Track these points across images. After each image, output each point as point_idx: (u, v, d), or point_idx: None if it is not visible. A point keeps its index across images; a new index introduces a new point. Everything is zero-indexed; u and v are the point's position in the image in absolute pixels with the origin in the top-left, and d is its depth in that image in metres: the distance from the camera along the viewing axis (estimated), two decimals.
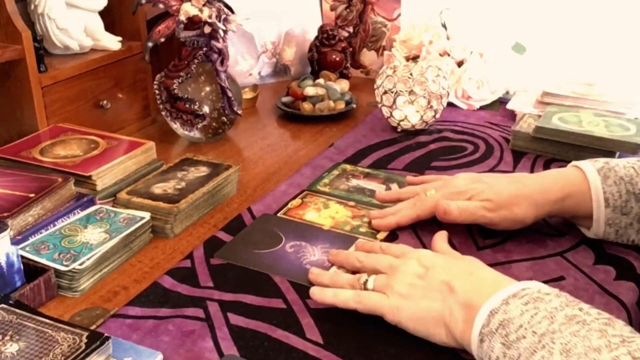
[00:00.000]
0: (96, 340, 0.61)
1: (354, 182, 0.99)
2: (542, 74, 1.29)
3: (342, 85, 1.38)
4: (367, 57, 1.50)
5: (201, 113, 1.11)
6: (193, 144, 1.16)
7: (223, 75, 1.11)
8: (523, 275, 0.76)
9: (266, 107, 1.35)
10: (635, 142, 1.00)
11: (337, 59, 1.43)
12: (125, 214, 0.85)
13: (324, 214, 0.90)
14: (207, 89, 1.13)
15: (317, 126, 1.24)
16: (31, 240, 0.79)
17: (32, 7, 1.09)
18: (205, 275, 0.77)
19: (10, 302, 0.67)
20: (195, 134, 1.14)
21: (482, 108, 1.29)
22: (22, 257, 0.74)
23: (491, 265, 0.69)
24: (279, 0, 1.47)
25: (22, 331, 0.62)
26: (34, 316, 0.65)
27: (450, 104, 1.26)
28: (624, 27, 1.28)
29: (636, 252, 0.81)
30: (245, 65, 1.45)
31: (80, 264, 0.75)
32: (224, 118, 1.15)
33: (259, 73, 1.47)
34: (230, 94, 1.12)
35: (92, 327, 0.68)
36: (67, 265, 0.74)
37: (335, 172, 1.02)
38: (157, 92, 1.13)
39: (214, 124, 1.15)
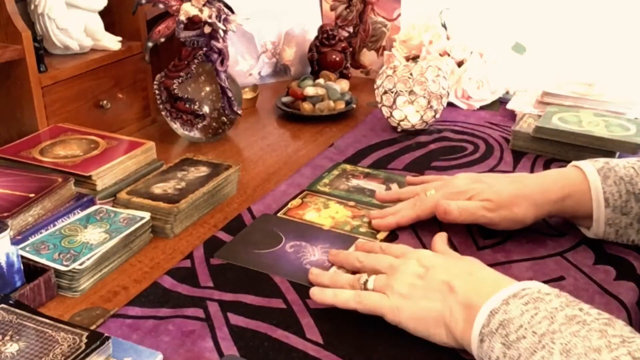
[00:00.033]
0: (96, 340, 0.61)
1: (354, 182, 0.99)
2: (542, 74, 1.29)
3: (342, 85, 1.38)
4: (367, 57, 1.50)
5: (201, 113, 1.11)
6: (193, 144, 1.16)
7: (223, 75, 1.11)
8: (523, 275, 0.76)
9: (266, 107, 1.35)
10: (635, 142, 1.00)
11: (337, 59, 1.43)
12: (125, 214, 0.85)
13: (324, 214, 0.90)
14: (207, 89, 1.13)
15: (317, 126, 1.24)
16: (31, 240, 0.79)
17: (32, 7, 1.09)
18: (205, 275, 0.77)
19: (10, 302, 0.67)
20: (195, 134, 1.14)
21: (482, 108, 1.29)
22: (22, 257, 0.74)
23: (491, 265, 0.69)
24: (279, 0, 1.47)
25: (22, 331, 0.62)
26: (34, 316, 0.65)
27: (450, 104, 1.26)
28: (624, 27, 1.28)
29: (636, 252, 0.81)
30: (245, 65, 1.45)
31: (80, 264, 0.75)
32: (224, 118, 1.15)
33: (259, 73, 1.47)
34: (230, 94, 1.12)
35: (92, 327, 0.68)
36: (67, 265, 0.74)
37: (335, 172, 1.02)
38: (157, 92, 1.13)
39: (214, 124, 1.15)
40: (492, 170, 1.03)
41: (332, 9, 1.49)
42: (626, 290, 0.74)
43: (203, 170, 0.96)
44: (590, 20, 1.30)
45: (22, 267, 0.72)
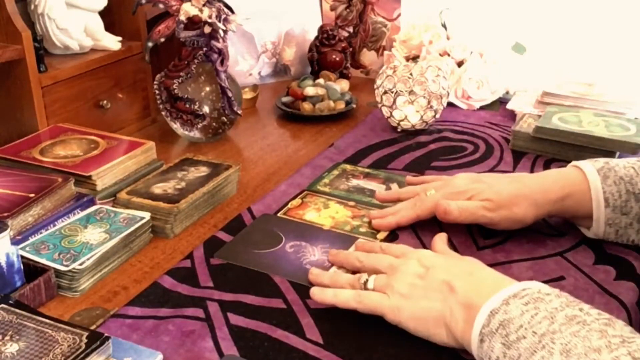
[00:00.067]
0: (96, 340, 0.61)
1: (354, 182, 0.99)
2: (542, 74, 1.29)
3: (342, 85, 1.38)
4: (367, 57, 1.50)
5: (201, 113, 1.11)
6: (193, 144, 1.16)
7: (223, 75, 1.11)
8: (523, 275, 0.76)
9: (266, 107, 1.35)
10: (635, 142, 1.00)
11: (337, 59, 1.43)
12: (125, 214, 0.85)
13: (324, 214, 0.90)
14: (207, 89, 1.13)
15: (317, 126, 1.24)
16: (31, 240, 0.79)
17: (32, 7, 1.09)
18: (205, 275, 0.77)
19: (10, 302, 0.67)
20: (195, 134, 1.14)
21: (482, 108, 1.29)
22: (22, 257, 0.74)
23: (491, 265, 0.69)
24: (279, 0, 1.47)
25: (22, 331, 0.62)
26: (34, 316, 0.65)
27: (450, 104, 1.26)
28: (624, 27, 1.28)
29: (636, 252, 0.81)
30: (245, 65, 1.45)
31: (80, 264, 0.75)
32: (224, 118, 1.15)
33: (259, 73, 1.47)
34: (230, 94, 1.12)
35: (92, 327, 0.68)
36: (67, 265, 0.74)
37: (335, 172, 1.02)
38: (157, 92, 1.13)
39: (214, 124, 1.15)
40: (492, 170, 1.03)
41: (332, 9, 1.49)
42: (626, 290, 0.74)
43: (203, 170, 0.96)
44: (590, 20, 1.30)
45: (22, 267, 0.72)
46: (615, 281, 0.76)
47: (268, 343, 0.66)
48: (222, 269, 0.78)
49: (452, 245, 0.82)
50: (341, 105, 1.27)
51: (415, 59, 1.33)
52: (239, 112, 1.15)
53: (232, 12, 1.14)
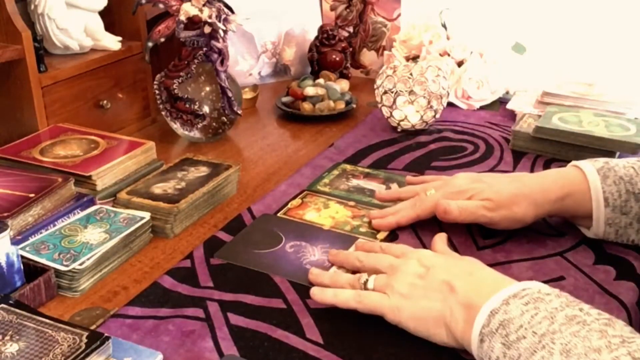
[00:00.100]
0: (96, 340, 0.61)
1: (354, 182, 0.99)
2: (542, 74, 1.29)
3: (342, 85, 1.38)
4: (367, 57, 1.50)
5: (201, 113, 1.11)
6: (193, 144, 1.16)
7: (223, 75, 1.11)
8: (523, 275, 0.76)
9: (266, 107, 1.35)
10: (635, 142, 1.00)
11: (337, 59, 1.43)
12: (125, 214, 0.85)
13: (324, 214, 0.90)
14: (207, 89, 1.13)
15: (317, 126, 1.24)
16: (31, 240, 0.79)
17: (32, 7, 1.09)
18: (205, 275, 0.77)
19: (10, 302, 0.67)
20: (195, 134, 1.14)
21: (482, 108, 1.29)
22: (22, 257, 0.74)
23: (491, 265, 0.69)
24: (279, 0, 1.47)
25: (22, 331, 0.62)
26: (34, 316, 0.65)
27: (450, 104, 1.26)
28: (624, 27, 1.28)
29: (636, 252, 0.81)
30: (245, 65, 1.45)
31: (80, 264, 0.75)
32: (224, 118, 1.15)
33: (259, 73, 1.47)
34: (230, 94, 1.12)
35: (92, 327, 0.68)
36: (67, 265, 0.74)
37: (335, 172, 1.02)
38: (157, 92, 1.13)
39: (214, 124, 1.15)
40: (492, 170, 1.03)
41: (332, 9, 1.49)
42: (626, 290, 0.74)
43: (203, 170, 0.96)
44: (590, 20, 1.30)
45: (22, 267, 0.72)
46: (615, 281, 0.76)
47: (268, 343, 0.66)
48: (222, 269, 0.78)
49: (452, 245, 0.82)
50: (341, 105, 1.27)
51: (415, 59, 1.33)
52: (239, 112, 1.15)
53: (232, 12, 1.14)
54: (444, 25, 1.34)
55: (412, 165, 1.05)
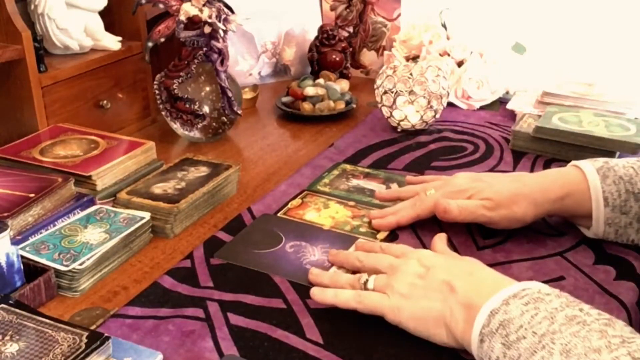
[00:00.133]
0: (96, 340, 0.61)
1: (354, 182, 0.99)
2: (542, 74, 1.29)
3: (342, 85, 1.38)
4: (367, 57, 1.50)
5: (201, 113, 1.11)
6: (193, 144, 1.16)
7: (223, 75, 1.11)
8: (523, 275, 0.76)
9: (266, 107, 1.35)
10: (635, 142, 1.00)
11: (337, 59, 1.43)
12: (125, 214, 0.85)
13: (324, 214, 0.90)
14: (207, 89, 1.13)
15: (317, 126, 1.24)
16: (31, 240, 0.79)
17: (32, 7, 1.09)
18: (205, 275, 0.77)
19: (10, 302, 0.67)
20: (195, 134, 1.14)
21: (482, 108, 1.29)
22: (22, 257, 0.74)
23: (491, 265, 0.69)
24: (279, 0, 1.47)
25: (22, 331, 0.62)
26: (34, 316, 0.65)
27: (450, 104, 1.26)
28: (624, 27, 1.28)
29: (636, 252, 0.81)
30: (245, 65, 1.45)
31: (80, 264, 0.75)
32: (224, 118, 1.15)
33: (259, 73, 1.47)
34: (230, 94, 1.12)
35: (92, 327, 0.68)
36: (67, 265, 0.74)
37: (335, 172, 1.02)
38: (157, 92, 1.13)
39: (214, 124, 1.15)
40: (492, 170, 1.03)
41: (332, 9, 1.49)
42: (626, 290, 0.74)
43: (203, 170, 0.96)
44: (590, 20, 1.30)
45: (22, 267, 0.72)
46: (615, 281, 0.76)
47: (268, 343, 0.66)
48: (222, 269, 0.78)
49: (452, 245, 0.82)
50: (341, 105, 1.27)
51: (415, 59, 1.33)
52: (239, 112, 1.15)
53: (232, 12, 1.14)
54: (444, 25, 1.34)
55: (412, 165, 1.05)
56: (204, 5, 1.07)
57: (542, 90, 1.22)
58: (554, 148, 1.06)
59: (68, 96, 1.09)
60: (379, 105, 1.18)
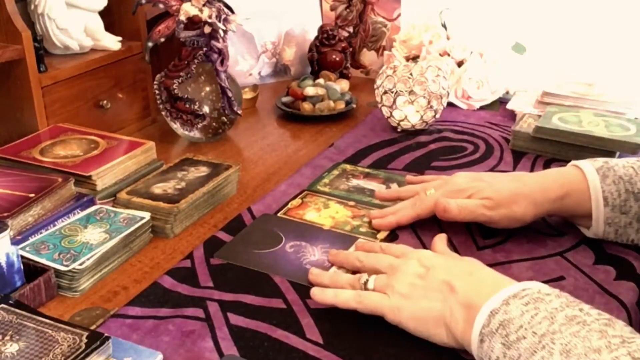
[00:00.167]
0: (96, 340, 0.61)
1: (354, 182, 0.99)
2: (542, 74, 1.29)
3: (342, 85, 1.38)
4: (367, 57, 1.50)
5: (201, 113, 1.11)
6: (193, 144, 1.16)
7: (223, 75, 1.11)
8: (523, 275, 0.76)
9: (266, 107, 1.35)
10: (635, 142, 1.00)
11: (337, 59, 1.43)
12: (125, 214, 0.85)
13: (324, 213, 0.90)
14: (207, 89, 1.13)
15: (317, 126, 1.24)
16: (31, 240, 0.79)
17: (32, 7, 1.09)
18: (205, 275, 0.77)
19: (10, 302, 0.67)
20: (195, 134, 1.14)
21: (482, 108, 1.29)
22: (22, 257, 0.74)
23: (491, 265, 0.69)
24: (279, 0, 1.47)
25: (22, 331, 0.62)
26: (34, 316, 0.65)
27: (450, 104, 1.26)
28: (624, 27, 1.28)
29: (636, 252, 0.81)
30: (245, 65, 1.45)
31: (80, 264, 0.75)
32: (224, 118, 1.15)
33: (259, 73, 1.47)
34: (230, 94, 1.12)
35: (92, 327, 0.68)
36: (67, 265, 0.74)
37: (335, 172, 1.02)
38: (157, 92, 1.13)
39: (214, 124, 1.15)
40: (492, 170, 1.03)
41: (332, 9, 1.49)
42: (626, 290, 0.74)
43: (203, 170, 0.96)
44: (590, 20, 1.30)
45: (22, 267, 0.72)
46: (615, 281, 0.76)
47: (268, 343, 0.66)
48: (222, 269, 0.78)
49: (452, 245, 0.82)
50: (341, 105, 1.27)
51: (415, 59, 1.33)
52: (239, 112, 1.15)
53: (232, 12, 1.14)
54: (444, 25, 1.34)
55: (412, 165, 1.05)
56: (204, 5, 1.07)
57: (542, 90, 1.22)
58: (554, 148, 1.06)
59: (68, 96, 1.09)
60: (379, 105, 1.18)
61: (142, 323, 0.69)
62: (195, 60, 1.10)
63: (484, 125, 1.21)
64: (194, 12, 1.07)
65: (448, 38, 1.32)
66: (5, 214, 0.79)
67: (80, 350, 0.59)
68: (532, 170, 1.03)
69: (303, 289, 0.74)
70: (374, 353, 0.64)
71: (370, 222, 0.87)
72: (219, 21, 1.07)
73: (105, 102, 1.15)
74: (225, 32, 1.09)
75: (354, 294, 0.68)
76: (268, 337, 0.67)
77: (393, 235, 0.85)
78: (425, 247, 0.82)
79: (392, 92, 1.14)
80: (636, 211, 0.78)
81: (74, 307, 0.73)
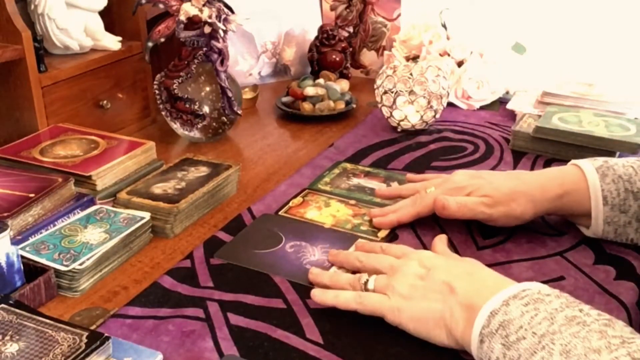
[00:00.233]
0: (96, 340, 0.61)
1: (355, 180, 0.99)
2: (542, 74, 1.29)
3: (342, 85, 1.38)
4: (367, 57, 1.50)
5: (201, 113, 1.11)
6: (193, 144, 1.16)
7: (223, 75, 1.11)
8: (523, 275, 0.76)
9: (266, 107, 1.35)
10: (635, 142, 1.00)
11: (337, 59, 1.43)
12: (125, 214, 0.85)
13: (325, 212, 0.90)
14: (207, 89, 1.13)
15: (317, 126, 1.24)
16: (31, 240, 0.79)
17: (32, 7, 1.09)
18: (205, 275, 0.77)
19: (10, 302, 0.67)
20: (195, 134, 1.14)
21: (482, 108, 1.29)
22: (22, 257, 0.74)
23: (491, 265, 0.69)
24: (279, 0, 1.47)
25: (22, 331, 0.62)
26: (34, 316, 0.65)
27: (450, 104, 1.26)
28: (624, 27, 1.28)
29: (636, 252, 0.81)
30: (245, 65, 1.45)
31: (80, 264, 0.75)
32: (224, 118, 1.15)
33: (259, 73, 1.47)
34: (230, 94, 1.12)
35: (92, 327, 0.68)
36: (67, 265, 0.74)
37: (336, 170, 1.02)
38: (157, 92, 1.13)
39: (214, 124, 1.15)
40: (492, 170, 1.03)
41: (332, 9, 1.49)
42: (626, 290, 0.74)
43: (203, 170, 0.96)
44: (590, 20, 1.30)
45: (22, 267, 0.72)
46: (615, 281, 0.76)
47: (268, 343, 0.66)
48: (222, 269, 0.78)
49: (452, 245, 0.82)
50: (341, 105, 1.27)
51: (415, 59, 1.33)
52: (239, 112, 1.15)
53: (232, 12, 1.14)
54: (444, 25, 1.34)
55: (412, 165, 1.05)
56: (204, 5, 1.07)
57: (542, 90, 1.22)
58: (554, 148, 1.06)
59: (68, 96, 1.09)
60: (379, 105, 1.18)
61: (142, 323, 0.69)
62: (195, 60, 1.10)
63: (484, 125, 1.21)
64: (194, 12, 1.07)
65: (448, 38, 1.32)
66: (5, 214, 0.79)
67: (80, 350, 0.59)
68: (532, 170, 1.02)
69: (303, 289, 0.74)
70: (374, 353, 0.64)
71: (370, 221, 0.87)
72: (219, 21, 1.07)
73: (105, 102, 1.15)
74: (225, 32, 1.09)
75: (355, 295, 0.68)
76: (268, 337, 0.67)
77: (393, 235, 0.85)
78: (425, 247, 0.82)
79: (392, 92, 1.14)
80: (635, 210, 0.78)
81: (74, 307, 0.73)
